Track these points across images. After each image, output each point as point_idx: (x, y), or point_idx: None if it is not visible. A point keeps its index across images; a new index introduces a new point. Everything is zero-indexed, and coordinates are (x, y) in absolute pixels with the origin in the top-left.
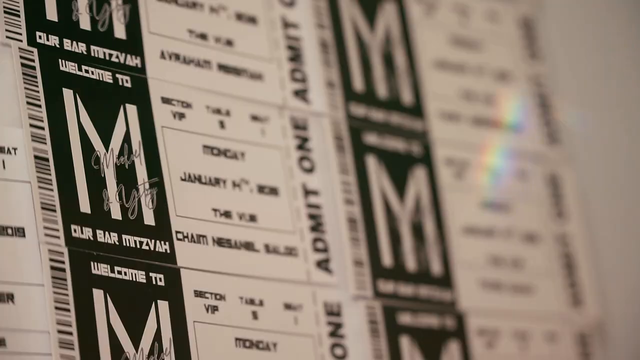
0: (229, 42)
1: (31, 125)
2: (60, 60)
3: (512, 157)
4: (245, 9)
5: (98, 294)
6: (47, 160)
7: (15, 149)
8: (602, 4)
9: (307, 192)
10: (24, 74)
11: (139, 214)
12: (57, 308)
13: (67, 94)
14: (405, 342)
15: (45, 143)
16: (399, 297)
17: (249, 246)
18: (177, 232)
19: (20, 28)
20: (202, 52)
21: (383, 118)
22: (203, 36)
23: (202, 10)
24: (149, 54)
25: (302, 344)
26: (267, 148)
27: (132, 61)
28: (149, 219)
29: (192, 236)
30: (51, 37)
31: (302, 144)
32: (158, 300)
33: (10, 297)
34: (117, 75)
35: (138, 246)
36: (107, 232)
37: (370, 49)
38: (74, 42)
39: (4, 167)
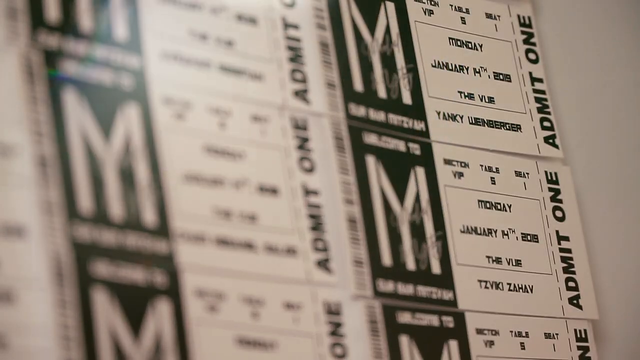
0: (230, 43)
1: (32, 126)
2: (60, 60)
3: None
4: (246, 9)
5: (99, 294)
6: (48, 160)
7: (17, 149)
8: (599, 5)
9: (307, 192)
10: (24, 74)
11: (140, 213)
12: (58, 308)
13: (69, 94)
14: (404, 342)
15: (47, 144)
16: (399, 296)
17: (249, 246)
18: (177, 232)
19: (20, 29)
20: (203, 52)
21: (383, 118)
22: (203, 36)
23: (203, 10)
24: (150, 54)
25: (302, 344)
26: (267, 148)
27: (133, 61)
28: (149, 218)
29: (192, 236)
30: (52, 38)
31: (302, 144)
32: (158, 300)
33: (11, 297)
34: (118, 75)
35: (139, 246)
36: (107, 232)
37: (369, 49)
38: (75, 43)
39: (5, 166)
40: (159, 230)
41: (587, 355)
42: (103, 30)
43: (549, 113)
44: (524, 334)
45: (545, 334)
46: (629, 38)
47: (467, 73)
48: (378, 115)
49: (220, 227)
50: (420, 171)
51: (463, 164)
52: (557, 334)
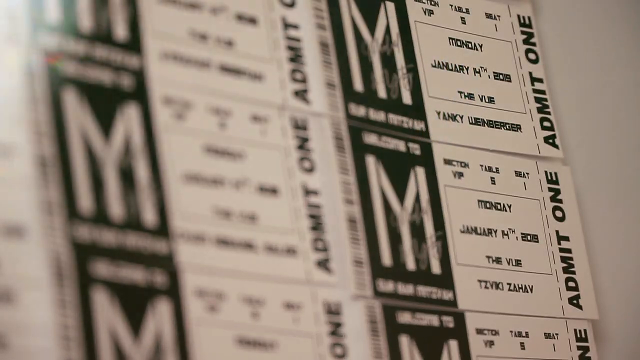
0: (230, 43)
1: (32, 126)
2: (60, 60)
3: None
4: (246, 9)
5: (99, 294)
6: (48, 159)
7: (17, 149)
8: (599, 5)
9: (307, 192)
10: (24, 74)
11: (140, 213)
12: (58, 308)
13: (69, 94)
14: (404, 342)
15: (47, 144)
16: (399, 296)
17: (249, 246)
18: (177, 232)
19: (21, 30)
20: (203, 52)
21: (383, 118)
22: (203, 36)
23: (203, 10)
24: (150, 54)
25: (302, 344)
26: (267, 148)
27: (133, 61)
28: (149, 218)
29: (192, 236)
30: (52, 38)
31: (302, 144)
32: (158, 300)
33: (11, 297)
34: (118, 75)
35: (139, 246)
36: (107, 232)
37: (369, 49)
38: (75, 43)
39: (5, 166)
40: (159, 230)
41: (587, 355)
42: (103, 30)
43: (549, 113)
44: (524, 334)
45: (545, 334)
46: (629, 38)
47: (467, 73)
48: (378, 115)
49: (220, 227)
50: (420, 171)
51: (463, 164)
52: (557, 334)
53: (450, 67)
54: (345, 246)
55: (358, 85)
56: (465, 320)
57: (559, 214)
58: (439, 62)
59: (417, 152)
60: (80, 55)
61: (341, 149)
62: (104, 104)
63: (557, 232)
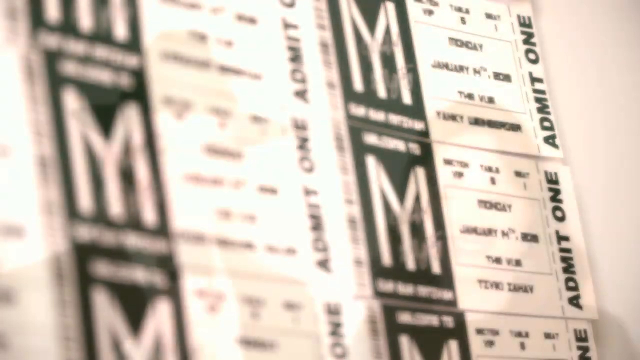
0: (230, 43)
1: (32, 126)
2: (60, 60)
3: None
4: (246, 9)
5: (99, 294)
6: (48, 160)
7: (17, 149)
8: (599, 5)
9: (307, 192)
10: (24, 74)
11: (140, 213)
12: (58, 308)
13: (69, 95)
14: (404, 341)
15: (47, 144)
16: (399, 296)
17: (249, 246)
18: (177, 232)
19: (20, 29)
20: (203, 52)
21: (383, 118)
22: (203, 37)
23: (203, 10)
24: (150, 54)
25: (302, 343)
26: (267, 148)
27: (133, 61)
28: (149, 218)
29: (192, 236)
30: (52, 38)
31: (302, 144)
32: (158, 300)
33: (11, 297)
34: (118, 75)
35: (139, 246)
36: (107, 232)
37: (369, 49)
38: (75, 42)
39: (5, 166)
40: (159, 230)
41: (587, 355)
42: (103, 30)
43: (549, 113)
44: (524, 334)
45: (545, 334)
46: (629, 38)
47: (467, 73)
48: (378, 115)
49: (220, 227)
50: (420, 171)
51: (463, 164)
52: (557, 334)
53: (450, 67)
54: (345, 246)
55: (358, 85)
56: (465, 320)
57: (559, 214)
58: (439, 62)
59: (417, 152)
60: (80, 55)
61: (341, 149)
62: (104, 103)
63: (557, 232)
